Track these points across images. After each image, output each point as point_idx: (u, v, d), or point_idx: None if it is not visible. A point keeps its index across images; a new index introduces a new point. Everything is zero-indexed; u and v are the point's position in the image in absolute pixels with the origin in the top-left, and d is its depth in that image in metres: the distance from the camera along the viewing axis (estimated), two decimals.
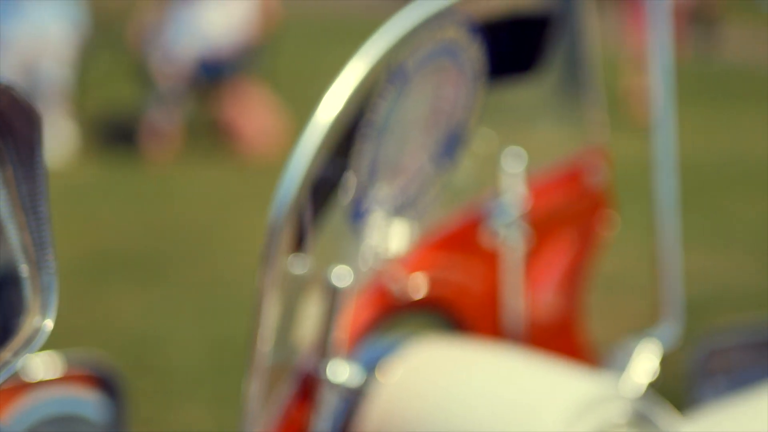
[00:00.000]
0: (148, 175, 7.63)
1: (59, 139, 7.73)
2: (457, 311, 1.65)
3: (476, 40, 1.43)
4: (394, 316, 1.57)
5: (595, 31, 1.58)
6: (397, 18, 1.32)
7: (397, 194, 1.47)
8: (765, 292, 5.80)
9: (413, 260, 1.56)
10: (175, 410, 4.48)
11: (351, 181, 1.39)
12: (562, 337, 1.76)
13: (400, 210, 1.49)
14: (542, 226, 1.66)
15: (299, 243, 1.36)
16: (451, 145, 1.50)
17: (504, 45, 1.50)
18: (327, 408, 1.43)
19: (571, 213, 1.73)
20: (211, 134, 8.22)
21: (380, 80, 1.35)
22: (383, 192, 1.45)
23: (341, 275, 1.37)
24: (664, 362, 1.83)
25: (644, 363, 1.74)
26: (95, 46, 9.02)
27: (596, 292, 4.94)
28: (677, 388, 2.04)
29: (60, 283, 0.81)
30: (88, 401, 1.62)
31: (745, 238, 6.70)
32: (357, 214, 1.42)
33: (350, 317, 1.47)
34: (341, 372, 1.44)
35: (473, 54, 1.44)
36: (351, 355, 1.49)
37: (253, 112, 7.87)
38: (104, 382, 1.62)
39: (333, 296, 1.37)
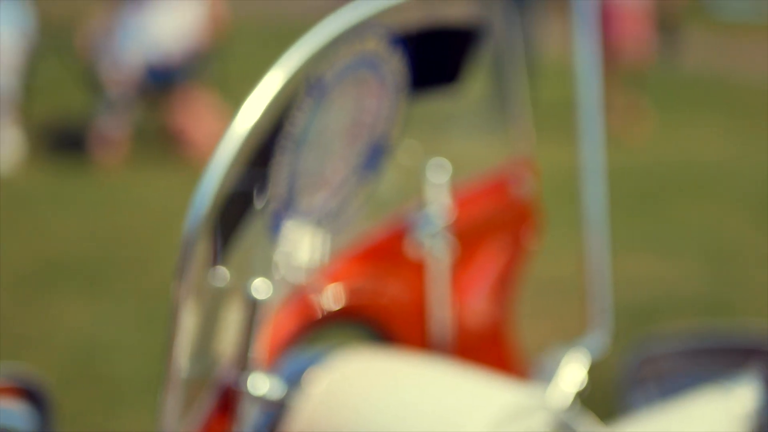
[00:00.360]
0: (96, 182, 7.59)
1: (6, 146, 7.67)
2: (384, 322, 1.65)
3: (398, 51, 1.43)
4: (319, 327, 1.57)
5: (521, 43, 1.58)
6: (316, 30, 1.31)
7: (319, 206, 1.47)
8: (713, 297, 5.85)
9: (337, 271, 1.55)
10: (121, 418, 4.46)
11: (270, 192, 1.38)
12: (490, 347, 1.76)
13: (322, 221, 1.48)
14: (468, 237, 1.66)
15: (217, 255, 1.35)
16: (375, 157, 1.50)
17: (427, 57, 1.50)
18: (248, 421, 1.42)
19: (497, 223, 1.73)
20: (160, 141, 8.18)
21: (298, 92, 1.34)
22: (304, 204, 1.44)
23: (260, 287, 1.36)
24: (594, 371, 1.83)
25: (572, 372, 1.75)
26: (43, 52, 8.96)
27: (536, 300, 4.96)
28: (609, 396, 2.05)
29: (6, 292, 0.81)
30: (14, 413, 1.61)
31: (694, 244, 6.74)
32: (277, 226, 1.41)
33: (271, 329, 1.47)
34: (262, 384, 1.43)
35: (395, 66, 1.43)
36: (273, 367, 1.49)
37: (202, 118, 7.84)
38: (31, 395, 1.61)
39: (252, 308, 1.36)
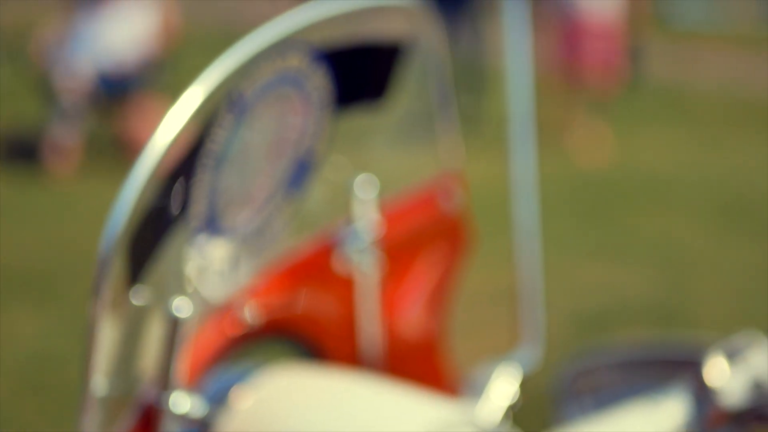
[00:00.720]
0: (49, 191, 7.53)
1: None
2: (313, 338, 1.64)
3: (321, 68, 1.42)
4: (244, 344, 1.56)
5: (447, 58, 1.58)
6: (237, 47, 1.31)
7: (243, 223, 1.46)
8: (664, 305, 5.88)
9: (263, 288, 1.54)
10: (71, 429, 4.43)
11: (191, 210, 1.37)
12: (422, 362, 1.76)
13: (246, 238, 1.48)
14: (397, 251, 1.66)
15: (136, 273, 1.34)
16: (300, 173, 1.50)
17: (352, 73, 1.49)
18: None
19: (426, 237, 1.73)
20: (113, 150, 8.13)
21: (219, 109, 1.33)
22: (227, 221, 1.44)
23: (181, 306, 1.35)
24: (530, 383, 1.83)
25: (503, 387, 1.75)
26: None
27: (470, 313, 4.95)
28: (545, 410, 2.05)
29: None
30: None
31: (647, 253, 6.78)
32: (198, 244, 1.40)
33: (195, 347, 1.46)
34: (184, 403, 1.42)
35: (319, 83, 1.43)
36: (197, 385, 1.48)
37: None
38: None
39: (173, 327, 1.35)
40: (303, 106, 1.44)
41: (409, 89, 1.58)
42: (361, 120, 1.57)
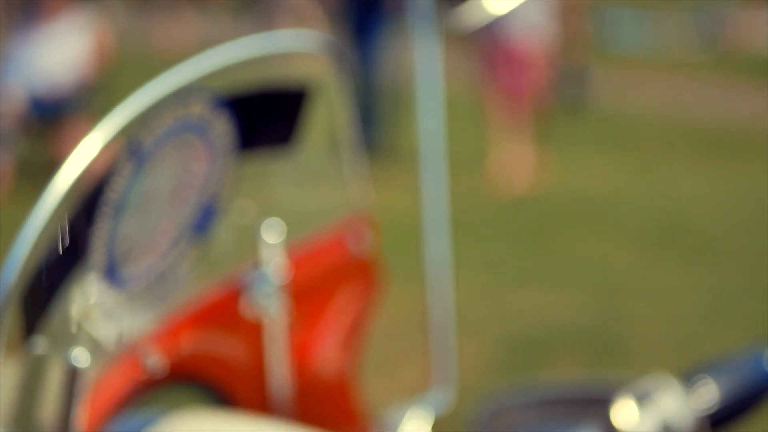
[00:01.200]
0: None
1: None
2: (222, 384, 1.63)
3: (224, 115, 1.41)
4: (151, 391, 1.54)
5: (354, 100, 1.57)
6: (136, 95, 1.30)
7: (147, 269, 1.45)
8: (596, 330, 5.91)
9: (169, 333, 1.53)
10: None
11: (91, 258, 1.36)
12: (332, 406, 1.75)
13: (151, 285, 1.46)
14: (306, 295, 1.66)
15: (34, 322, 1.32)
16: (205, 219, 1.49)
17: (256, 118, 1.49)
18: None
19: (336, 280, 1.72)
20: (46, 174, 8.05)
21: (118, 157, 1.32)
22: (129, 268, 1.42)
23: (80, 355, 1.34)
24: (440, 425, 1.83)
25: (414, 430, 1.74)
26: None
27: (383, 355, 4.93)
28: None
29: None
30: None
31: (581, 277, 6.82)
32: (99, 292, 1.39)
33: (98, 395, 1.44)
34: None
35: (222, 129, 1.42)
36: None
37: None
38: None
39: (72, 376, 1.34)
40: (206, 153, 1.43)
41: (316, 131, 1.58)
42: (267, 164, 1.56)
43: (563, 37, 10.38)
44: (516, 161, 8.73)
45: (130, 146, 1.32)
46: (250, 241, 1.58)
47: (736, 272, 6.84)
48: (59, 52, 7.85)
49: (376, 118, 8.26)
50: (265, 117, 1.51)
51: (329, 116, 1.57)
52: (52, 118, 7.82)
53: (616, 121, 12.08)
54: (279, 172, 1.59)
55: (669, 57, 18.08)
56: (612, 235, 7.58)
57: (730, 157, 10.27)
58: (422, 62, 1.67)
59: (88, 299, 1.38)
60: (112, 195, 1.34)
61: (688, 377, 1.71)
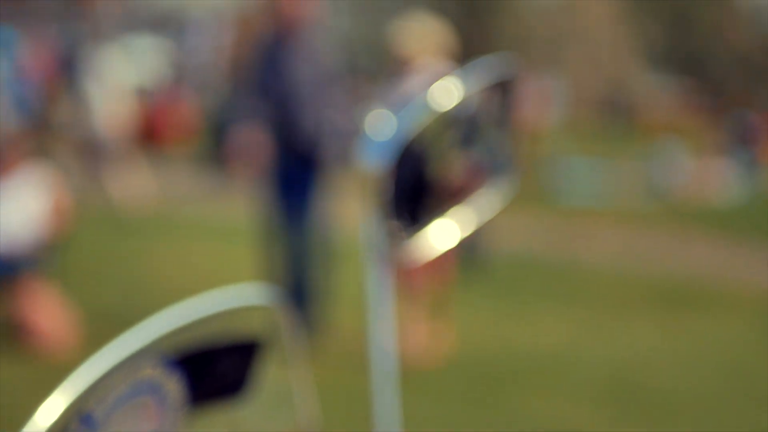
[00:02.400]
0: None
1: None
2: None
3: (176, 373, 1.45)
4: None
5: (305, 347, 1.61)
6: (86, 365, 1.33)
7: None
8: None
9: None
10: None
11: None
12: None
13: None
14: None
15: None
16: None
17: (207, 374, 1.52)
18: None
19: None
20: (3, 331, 8.04)
21: (68, 429, 1.34)
22: None
23: None
24: None
25: None
26: None
27: None
28: None
29: None
30: None
31: None
32: None
33: None
34: None
35: (174, 387, 1.45)
36: None
37: (44, 310, 7.75)
38: None
39: None
40: (158, 412, 1.45)
41: (267, 379, 1.61)
42: (219, 416, 1.59)
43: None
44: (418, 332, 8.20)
45: (80, 417, 1.34)
46: None
47: (693, 429, 6.88)
48: (14, 209, 7.88)
49: (310, 292, 7.98)
50: (216, 371, 1.54)
51: (280, 366, 1.61)
52: (9, 277, 7.81)
53: (569, 274, 12.20)
54: (231, 423, 1.62)
55: (620, 208, 18.35)
56: (566, 394, 7.60)
57: (685, 310, 10.38)
58: (373, 290, 1.71)
59: None
60: None
61: None
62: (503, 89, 1.57)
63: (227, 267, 10.61)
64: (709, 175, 23.01)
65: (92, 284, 9.50)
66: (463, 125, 1.56)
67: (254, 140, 7.61)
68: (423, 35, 6.80)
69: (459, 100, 1.53)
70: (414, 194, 1.54)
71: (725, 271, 12.99)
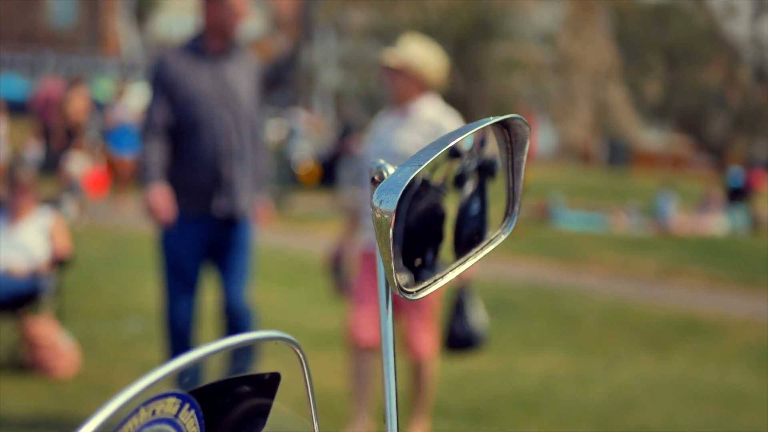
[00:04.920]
0: None
1: None
2: None
3: (196, 406, 1.50)
4: None
5: (312, 387, 1.65)
6: (113, 399, 1.37)
7: None
8: None
9: None
10: None
11: None
12: None
13: None
14: None
15: None
16: None
17: (227, 407, 1.57)
18: None
19: None
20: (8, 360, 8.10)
21: None
22: None
23: None
24: None
25: None
26: None
27: None
28: None
29: None
30: None
31: None
32: None
33: None
34: None
35: (193, 421, 1.51)
36: None
37: (52, 344, 7.86)
38: None
39: None
40: None
41: (282, 414, 1.66)
42: None
43: None
44: None
45: None
46: None
47: None
48: (19, 248, 8.00)
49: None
50: (234, 405, 1.59)
51: (294, 400, 1.66)
52: (13, 307, 7.93)
53: (566, 298, 12.29)
54: None
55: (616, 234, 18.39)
56: (561, 418, 7.60)
57: (684, 343, 10.48)
58: (384, 327, 1.73)
59: None
60: None
61: None
62: (515, 142, 1.63)
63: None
64: (703, 222, 23.27)
65: (90, 321, 9.57)
66: (472, 172, 1.61)
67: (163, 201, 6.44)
68: (418, 67, 6.37)
69: (469, 148, 1.57)
70: (422, 236, 1.56)
71: (719, 306, 13.12)
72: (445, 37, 33.53)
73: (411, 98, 6.25)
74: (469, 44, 32.54)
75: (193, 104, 6.42)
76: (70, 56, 50.96)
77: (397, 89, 6.24)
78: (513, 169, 1.61)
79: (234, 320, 6.73)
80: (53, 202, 8.50)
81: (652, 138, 45.01)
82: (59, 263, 8.09)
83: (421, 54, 6.24)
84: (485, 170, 1.60)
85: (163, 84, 6.44)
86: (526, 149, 1.59)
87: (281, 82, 38.89)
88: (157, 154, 6.36)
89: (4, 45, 52.12)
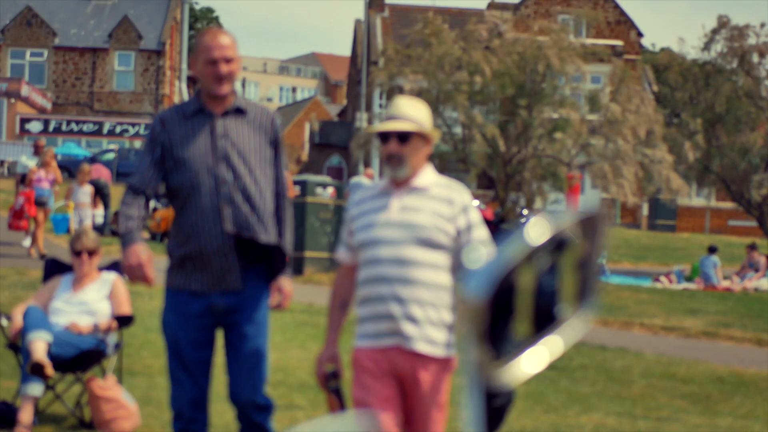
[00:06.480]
0: None
1: None
2: None
3: None
4: None
5: None
6: None
7: None
8: None
9: None
10: None
11: None
12: None
13: None
14: None
15: None
16: None
17: None
18: None
19: None
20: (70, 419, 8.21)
21: None
22: None
23: None
24: None
25: None
26: None
27: None
28: None
29: None
30: None
31: None
32: None
33: None
34: None
35: None
36: None
37: (119, 405, 8.04)
38: None
39: None
40: None
41: None
42: None
43: None
44: None
45: None
46: None
47: None
48: (83, 308, 8.25)
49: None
50: None
51: None
52: (69, 368, 8.12)
53: (608, 353, 12.28)
54: None
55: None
56: None
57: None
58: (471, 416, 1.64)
59: None
60: None
61: None
62: (593, 228, 1.63)
63: None
64: (748, 283, 23.24)
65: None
66: (555, 257, 1.59)
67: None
68: (430, 132, 5.18)
69: (552, 234, 1.56)
70: (508, 321, 1.55)
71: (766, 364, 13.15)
72: (492, 101, 33.84)
73: (420, 168, 5.20)
74: (516, 107, 32.83)
75: (187, 167, 5.73)
76: (132, 121, 51.69)
77: (407, 158, 5.12)
78: (593, 247, 1.64)
79: (245, 415, 5.85)
80: (115, 264, 8.71)
81: (697, 198, 44.95)
82: (121, 322, 8.31)
83: (428, 116, 5.23)
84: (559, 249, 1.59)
85: (155, 145, 5.79)
86: (602, 240, 1.64)
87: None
88: (136, 211, 5.66)
89: (66, 112, 52.88)
